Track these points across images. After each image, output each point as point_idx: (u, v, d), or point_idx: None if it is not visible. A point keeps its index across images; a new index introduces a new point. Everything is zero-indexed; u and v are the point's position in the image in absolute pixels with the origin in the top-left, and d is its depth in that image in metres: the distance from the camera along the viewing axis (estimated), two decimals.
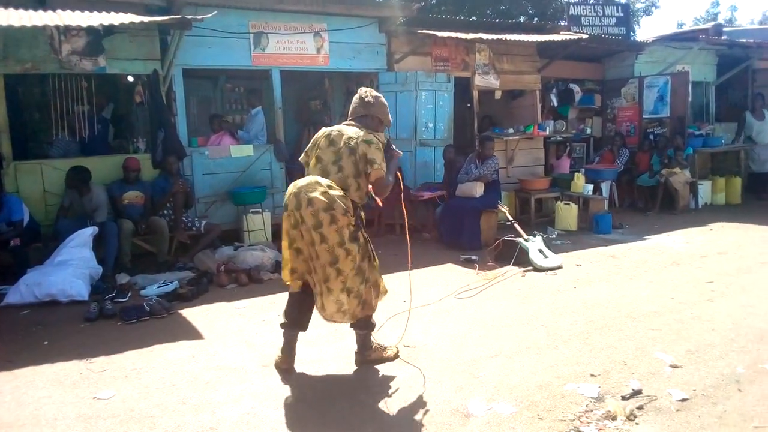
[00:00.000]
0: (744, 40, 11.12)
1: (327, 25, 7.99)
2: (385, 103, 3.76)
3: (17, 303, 5.11)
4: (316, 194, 3.26)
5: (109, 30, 5.92)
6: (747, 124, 10.31)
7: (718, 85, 11.66)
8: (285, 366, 3.66)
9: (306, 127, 10.33)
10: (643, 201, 9.81)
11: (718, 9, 30.95)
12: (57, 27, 5.56)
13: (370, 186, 3.54)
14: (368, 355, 3.77)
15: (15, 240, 5.68)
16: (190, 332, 4.47)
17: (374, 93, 3.72)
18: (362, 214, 3.65)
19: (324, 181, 3.35)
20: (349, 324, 3.69)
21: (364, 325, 3.71)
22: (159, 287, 5.47)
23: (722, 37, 11.39)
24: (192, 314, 4.87)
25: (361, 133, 3.50)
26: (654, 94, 10.37)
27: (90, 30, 5.77)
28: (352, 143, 3.47)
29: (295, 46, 7.85)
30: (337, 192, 3.32)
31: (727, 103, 12.14)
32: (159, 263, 6.24)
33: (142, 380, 3.61)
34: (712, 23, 15.45)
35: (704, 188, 10.01)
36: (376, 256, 3.64)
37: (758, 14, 31.60)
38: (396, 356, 3.86)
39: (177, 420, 3.09)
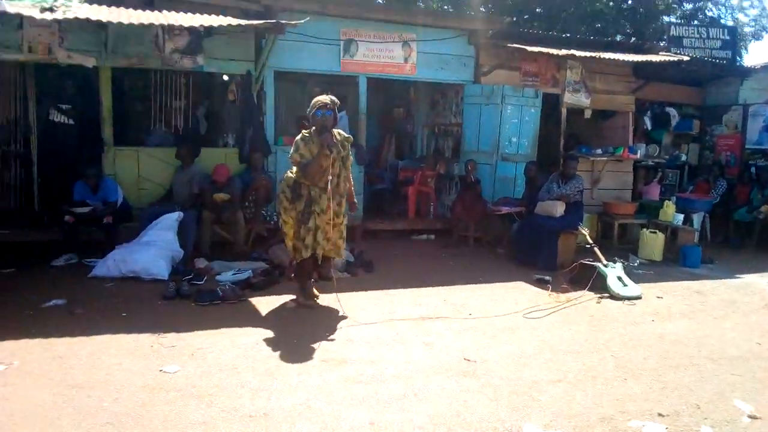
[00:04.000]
0: None
1: (416, 35, 8.06)
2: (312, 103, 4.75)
3: (103, 275, 5.50)
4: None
5: (209, 31, 6.29)
6: None
7: None
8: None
9: (388, 133, 10.41)
10: (738, 237, 9.13)
11: None
12: (162, 26, 5.95)
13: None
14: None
15: (108, 218, 6.11)
16: (258, 320, 4.62)
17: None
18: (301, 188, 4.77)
19: None
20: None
21: None
22: (234, 274, 5.69)
23: None
24: (261, 303, 5.02)
25: None
26: (759, 124, 9.68)
27: (192, 30, 6.15)
28: None
29: (383, 55, 7.96)
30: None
31: None
32: (236, 252, 6.50)
33: (207, 360, 3.76)
34: None
35: None
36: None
37: None
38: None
39: (234, 402, 3.20)
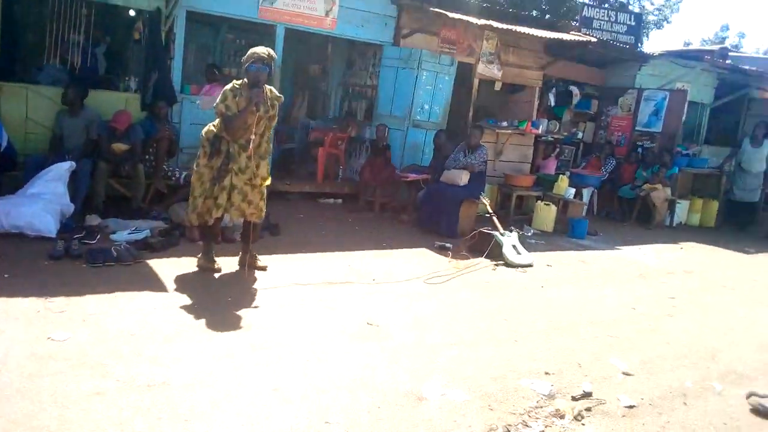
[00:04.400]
0: (747, 67, 11.19)
1: None
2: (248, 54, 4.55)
3: None
4: None
5: None
6: (741, 150, 10.37)
7: (713, 108, 11.75)
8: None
9: (301, 90, 10.19)
10: (621, 212, 9.92)
11: (726, 33, 30.96)
12: None
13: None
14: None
15: None
16: (156, 284, 4.42)
17: None
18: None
19: None
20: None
21: None
22: (129, 234, 5.37)
23: (726, 61, 11.45)
24: (159, 266, 4.81)
25: None
26: (650, 108, 10.42)
27: None
28: None
29: (304, 5, 7.68)
30: None
31: (719, 127, 12.25)
32: (133, 209, 6.12)
33: (101, 326, 3.57)
34: (719, 46, 15.50)
35: (682, 207, 10.14)
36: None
37: (765, 44, 31.65)
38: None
39: (130, 370, 3.08)
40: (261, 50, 4.56)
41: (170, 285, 4.43)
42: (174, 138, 6.67)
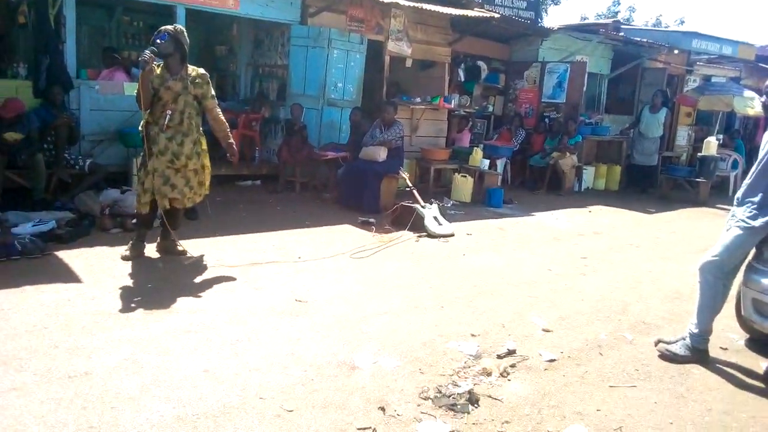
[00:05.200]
0: (639, 39, 11.92)
1: None
2: None
3: None
4: None
5: None
6: (641, 116, 11.08)
7: (611, 79, 12.46)
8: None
9: (209, 73, 9.84)
10: (533, 180, 10.37)
11: (618, 8, 32.82)
12: None
13: None
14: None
15: None
16: (67, 275, 4.19)
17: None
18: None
19: None
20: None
21: None
22: (34, 226, 5.02)
23: (620, 34, 12.13)
24: (70, 257, 4.56)
25: None
26: (554, 80, 10.89)
27: None
28: None
29: None
30: None
31: (617, 96, 13.02)
32: (34, 201, 5.73)
33: (10, 322, 3.35)
34: (612, 20, 16.39)
35: (588, 173, 10.75)
36: None
37: (653, 18, 33.77)
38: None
39: (47, 363, 2.92)
40: (167, 26, 4.48)
41: (84, 276, 4.20)
42: (73, 125, 6.27)
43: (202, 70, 4.67)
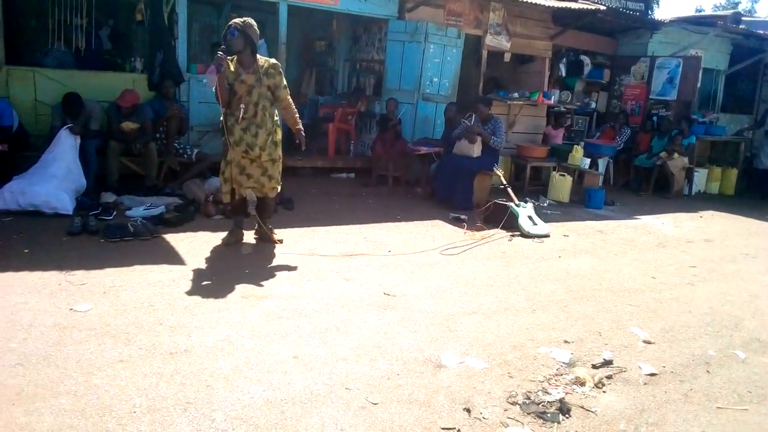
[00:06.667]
0: (761, 32, 10.93)
1: None
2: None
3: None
4: None
5: None
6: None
7: (728, 75, 11.52)
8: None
9: (308, 67, 10.11)
10: (638, 181, 9.80)
11: None
12: None
13: None
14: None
15: (2, 146, 5.56)
16: (173, 257, 4.45)
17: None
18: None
19: None
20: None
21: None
22: (145, 210, 5.42)
23: (740, 26, 11.19)
24: (176, 240, 4.84)
25: None
26: (664, 76, 10.23)
27: None
28: None
29: None
30: None
31: (735, 93, 12.02)
32: (147, 187, 6.16)
33: (120, 298, 3.60)
34: (732, 11, 15.15)
35: (700, 176, 10.01)
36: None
37: None
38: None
39: (152, 339, 3.10)
40: (236, 19, 4.54)
41: (188, 258, 4.44)
42: (183, 116, 6.67)
43: (273, 60, 4.73)
